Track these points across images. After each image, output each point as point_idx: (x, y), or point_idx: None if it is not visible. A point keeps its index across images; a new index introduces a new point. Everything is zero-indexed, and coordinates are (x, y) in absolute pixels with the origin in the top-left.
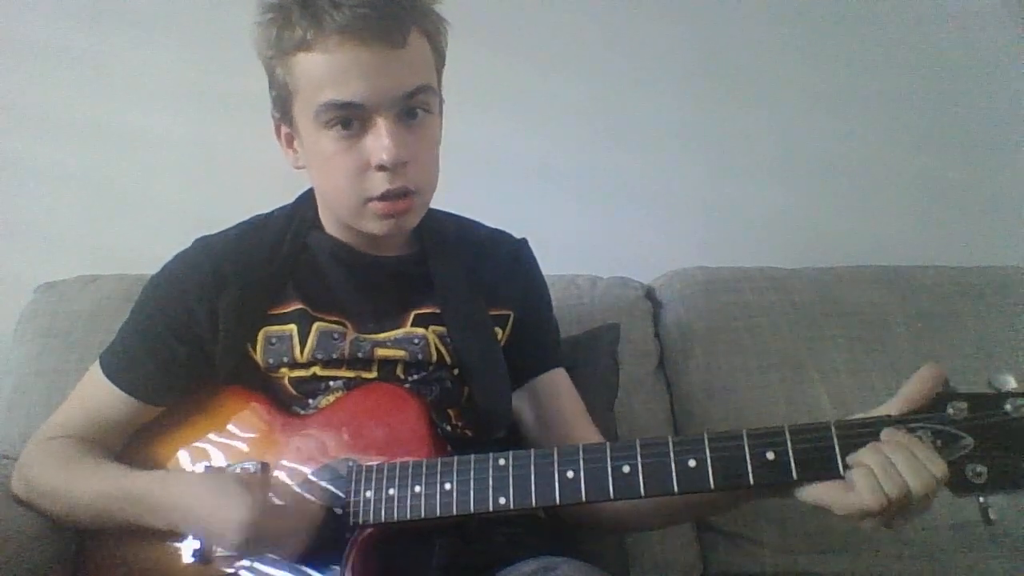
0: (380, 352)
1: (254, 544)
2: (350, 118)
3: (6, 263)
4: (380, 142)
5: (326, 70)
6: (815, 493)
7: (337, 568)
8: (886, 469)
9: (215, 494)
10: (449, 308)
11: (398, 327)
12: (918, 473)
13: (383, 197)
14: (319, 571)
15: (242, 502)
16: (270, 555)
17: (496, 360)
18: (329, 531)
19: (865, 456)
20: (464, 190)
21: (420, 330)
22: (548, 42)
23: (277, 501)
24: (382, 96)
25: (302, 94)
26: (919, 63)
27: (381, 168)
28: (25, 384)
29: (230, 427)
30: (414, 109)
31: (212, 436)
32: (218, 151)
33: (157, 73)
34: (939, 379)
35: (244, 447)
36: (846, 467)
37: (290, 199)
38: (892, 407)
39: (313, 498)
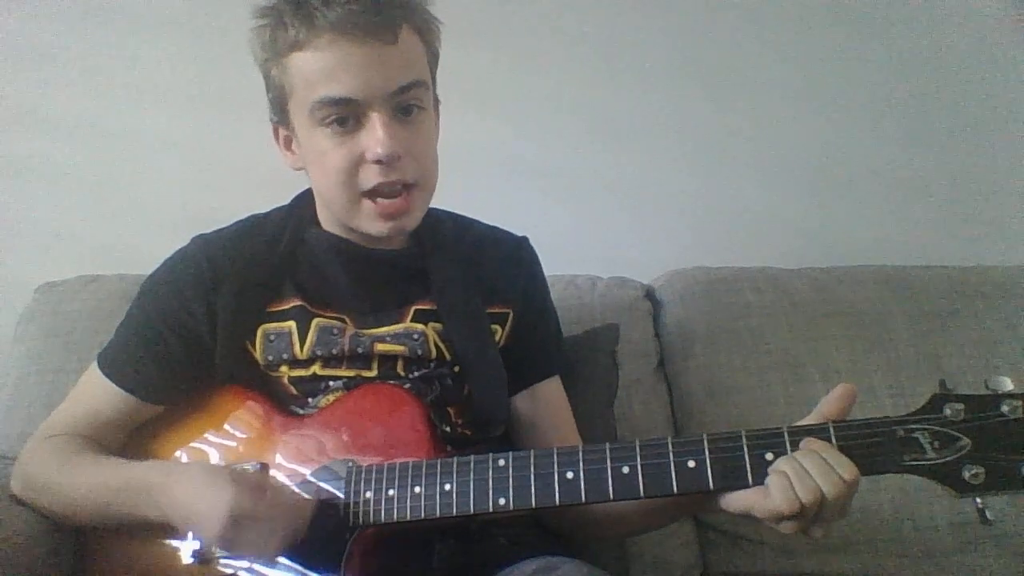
0: (380, 347)
1: (232, 541)
2: (345, 115)
3: (6, 263)
4: (374, 136)
5: (319, 68)
6: (738, 500)
7: (337, 569)
8: (800, 475)
9: (203, 484)
10: (445, 304)
11: (397, 321)
12: (828, 478)
13: (377, 191)
14: (319, 572)
15: (226, 496)
16: (248, 553)
17: (492, 357)
18: (329, 532)
19: (782, 463)
20: (464, 191)
21: (419, 326)
22: (550, 43)
23: (268, 504)
24: (375, 91)
25: (297, 93)
26: (920, 63)
27: (376, 162)
28: (25, 384)
29: (228, 427)
30: (408, 105)
31: (211, 436)
32: (217, 151)
33: (156, 73)
34: (851, 397)
35: (242, 447)
36: (765, 473)
37: (288, 199)
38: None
39: (310, 497)
